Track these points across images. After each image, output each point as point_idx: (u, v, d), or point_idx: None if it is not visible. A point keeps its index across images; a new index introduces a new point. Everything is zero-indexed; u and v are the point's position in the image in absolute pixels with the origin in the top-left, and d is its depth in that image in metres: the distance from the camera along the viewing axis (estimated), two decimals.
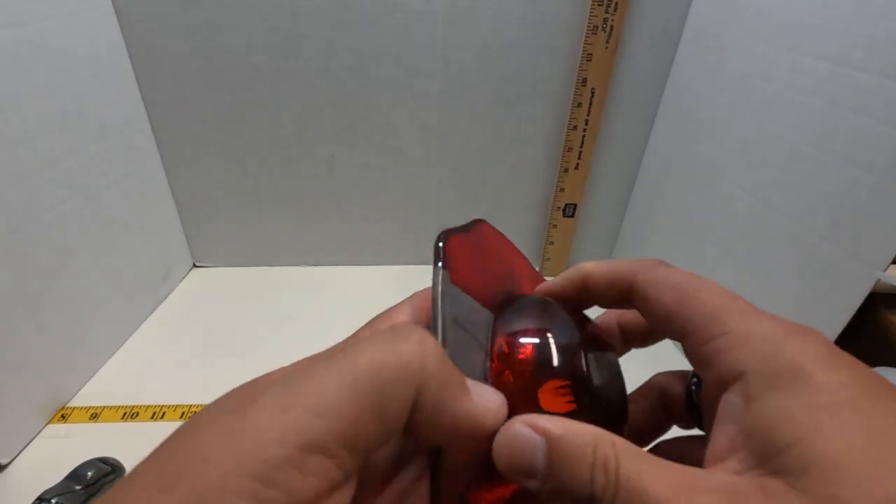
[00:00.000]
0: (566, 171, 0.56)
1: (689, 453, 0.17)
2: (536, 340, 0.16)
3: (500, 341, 0.16)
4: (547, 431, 0.13)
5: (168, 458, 0.11)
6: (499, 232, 0.20)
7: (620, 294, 0.17)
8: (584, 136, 0.53)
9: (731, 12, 0.42)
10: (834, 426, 0.11)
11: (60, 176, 0.40)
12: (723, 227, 0.44)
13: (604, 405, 0.16)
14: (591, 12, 0.47)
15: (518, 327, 0.17)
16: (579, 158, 0.55)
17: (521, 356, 0.16)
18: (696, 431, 0.18)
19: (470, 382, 0.13)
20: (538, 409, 0.15)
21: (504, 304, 0.18)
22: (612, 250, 0.65)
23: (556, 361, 0.15)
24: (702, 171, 0.47)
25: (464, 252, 0.17)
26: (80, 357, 0.44)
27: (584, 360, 0.16)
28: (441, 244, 0.16)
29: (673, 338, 0.16)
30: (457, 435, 0.13)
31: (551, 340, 0.16)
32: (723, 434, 0.13)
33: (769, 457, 0.12)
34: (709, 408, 0.15)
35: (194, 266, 0.61)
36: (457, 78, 0.51)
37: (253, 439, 0.10)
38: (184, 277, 0.59)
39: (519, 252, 0.21)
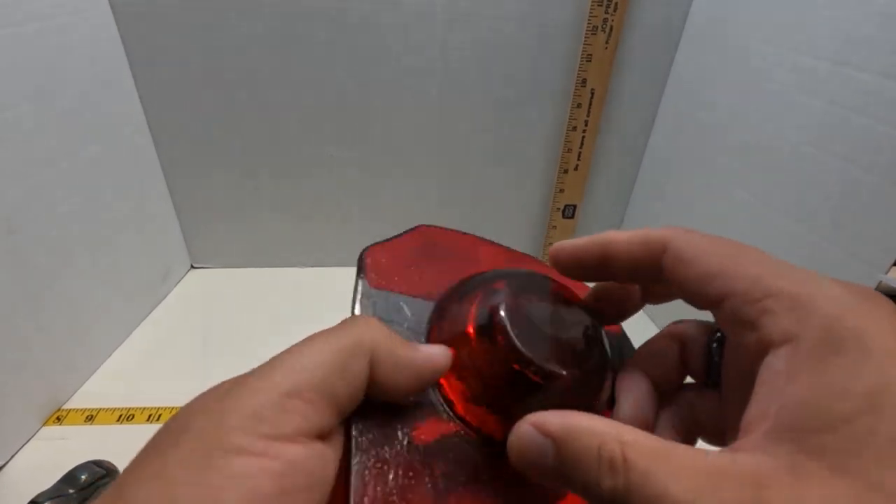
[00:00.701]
0: (566, 171, 0.55)
1: (703, 411, 0.17)
2: (463, 321, 0.17)
3: (434, 328, 0.17)
4: (551, 433, 0.12)
5: (174, 419, 0.13)
6: (447, 230, 0.21)
7: (650, 255, 0.15)
8: (583, 136, 0.53)
9: (731, 13, 0.42)
10: None
11: (59, 176, 0.39)
12: (723, 228, 0.44)
13: (562, 379, 0.15)
14: (591, 13, 0.46)
15: (449, 312, 0.17)
16: (579, 159, 0.55)
17: (451, 337, 0.17)
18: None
19: (413, 342, 0.16)
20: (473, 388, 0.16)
21: (455, 290, 0.18)
22: None
23: (483, 341, 0.16)
24: (702, 171, 0.47)
25: (394, 257, 0.19)
26: (77, 357, 0.43)
27: (519, 336, 0.15)
28: (361, 255, 0.19)
29: (704, 304, 0.14)
30: (421, 377, 0.15)
31: (482, 319, 0.16)
32: (759, 403, 0.12)
33: (811, 432, 0.11)
34: (740, 372, 0.15)
35: (192, 267, 0.61)
36: (456, 78, 0.50)
37: (248, 393, 0.13)
38: (182, 278, 0.59)
39: (485, 241, 0.21)
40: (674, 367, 0.18)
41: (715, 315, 0.15)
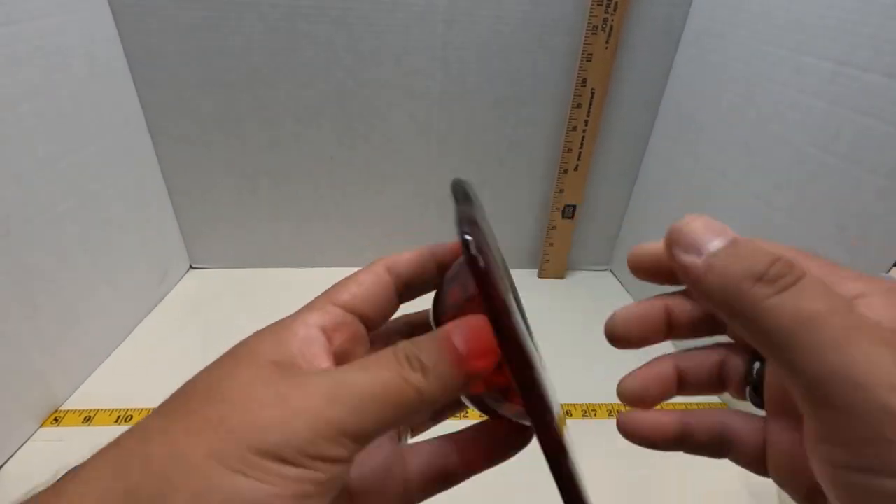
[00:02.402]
0: (566, 172, 0.55)
1: (738, 430, 0.17)
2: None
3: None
4: (730, 233, 0.15)
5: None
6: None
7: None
8: (583, 136, 0.53)
9: (732, 13, 0.42)
10: None
11: (57, 176, 0.39)
12: None
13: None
14: (591, 12, 0.46)
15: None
16: (579, 159, 0.55)
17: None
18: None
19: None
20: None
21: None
22: (611, 252, 0.64)
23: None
24: (703, 172, 0.46)
25: None
26: (75, 359, 0.43)
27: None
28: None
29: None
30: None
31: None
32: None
33: None
34: (782, 395, 0.15)
35: (191, 267, 0.60)
36: (457, 78, 0.50)
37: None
38: (181, 279, 0.58)
39: None
40: (712, 380, 0.18)
41: None
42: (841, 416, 0.11)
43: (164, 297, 0.55)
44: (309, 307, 0.17)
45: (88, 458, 0.13)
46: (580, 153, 0.54)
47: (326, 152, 0.54)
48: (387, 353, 0.14)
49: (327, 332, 0.16)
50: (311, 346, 0.15)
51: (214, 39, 0.46)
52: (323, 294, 0.17)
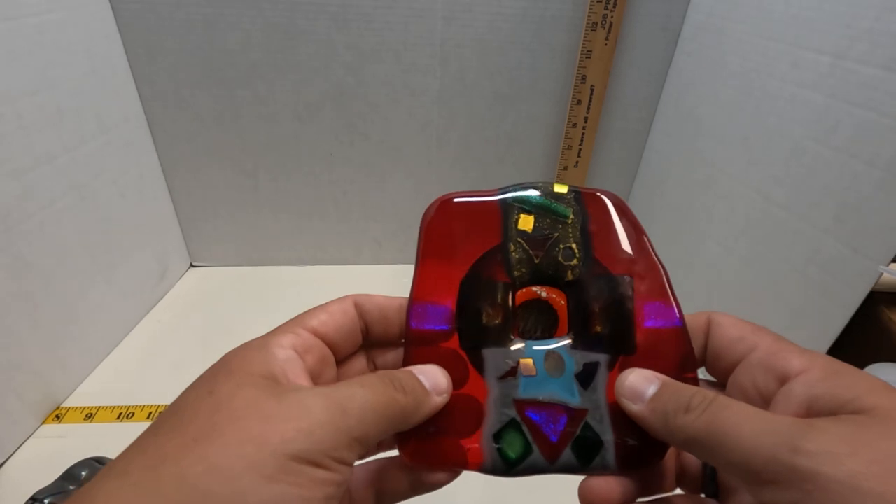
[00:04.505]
0: (566, 168, 0.55)
1: None
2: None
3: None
4: (659, 377, 0.18)
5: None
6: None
7: (699, 327, 0.20)
8: (583, 133, 0.53)
9: (731, 8, 0.42)
10: None
11: (56, 173, 0.39)
12: (724, 224, 0.44)
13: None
14: (591, 9, 0.46)
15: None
16: (579, 156, 0.55)
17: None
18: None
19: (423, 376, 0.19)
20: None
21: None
22: None
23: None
24: (702, 167, 0.47)
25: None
26: (75, 356, 0.43)
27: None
28: None
29: (735, 358, 0.19)
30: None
31: None
32: (784, 405, 0.16)
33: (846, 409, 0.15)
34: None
35: (191, 265, 0.60)
36: (456, 75, 0.50)
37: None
38: (181, 277, 0.58)
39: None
40: (665, 480, 0.20)
41: (736, 372, 0.19)
42: (768, 486, 0.14)
43: (164, 295, 0.55)
44: (281, 330, 0.18)
45: (94, 482, 0.13)
46: (580, 150, 0.54)
47: (326, 149, 0.54)
48: (375, 377, 0.17)
49: (299, 354, 0.18)
50: (292, 366, 0.17)
51: (214, 36, 0.46)
52: (293, 319, 0.19)
